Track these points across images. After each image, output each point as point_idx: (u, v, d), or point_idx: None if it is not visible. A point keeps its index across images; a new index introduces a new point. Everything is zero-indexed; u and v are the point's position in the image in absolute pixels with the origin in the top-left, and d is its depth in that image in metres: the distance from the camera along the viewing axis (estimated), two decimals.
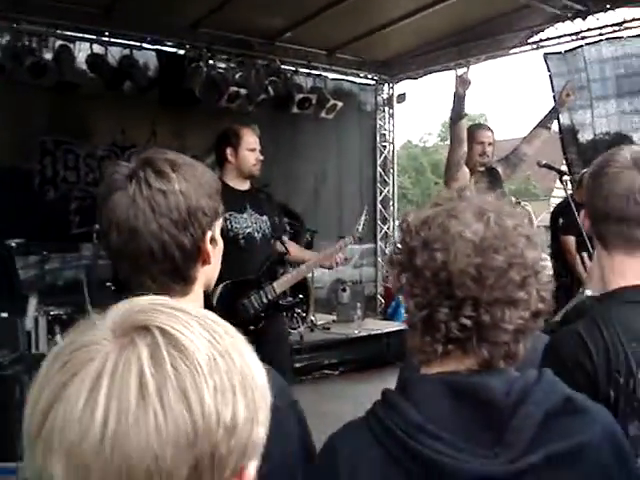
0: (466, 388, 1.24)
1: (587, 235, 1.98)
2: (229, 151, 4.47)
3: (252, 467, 0.76)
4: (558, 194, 35.64)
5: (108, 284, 7.68)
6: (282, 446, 1.38)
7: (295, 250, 4.85)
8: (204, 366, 0.71)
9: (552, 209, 6.81)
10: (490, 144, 5.01)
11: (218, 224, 1.55)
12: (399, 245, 1.34)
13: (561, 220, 6.24)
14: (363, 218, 5.00)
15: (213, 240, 1.51)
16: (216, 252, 1.55)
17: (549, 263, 1.39)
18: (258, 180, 4.88)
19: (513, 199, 1.37)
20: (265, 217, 4.55)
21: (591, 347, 1.70)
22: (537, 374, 1.29)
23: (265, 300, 4.43)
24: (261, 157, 4.56)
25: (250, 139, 4.53)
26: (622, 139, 9.41)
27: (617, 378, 1.68)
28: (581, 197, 6.27)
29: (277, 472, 1.35)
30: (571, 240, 6.02)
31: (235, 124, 4.71)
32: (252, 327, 4.36)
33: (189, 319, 0.75)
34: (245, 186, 4.55)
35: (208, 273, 1.55)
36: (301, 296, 8.21)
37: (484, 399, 1.22)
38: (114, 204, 1.43)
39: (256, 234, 4.49)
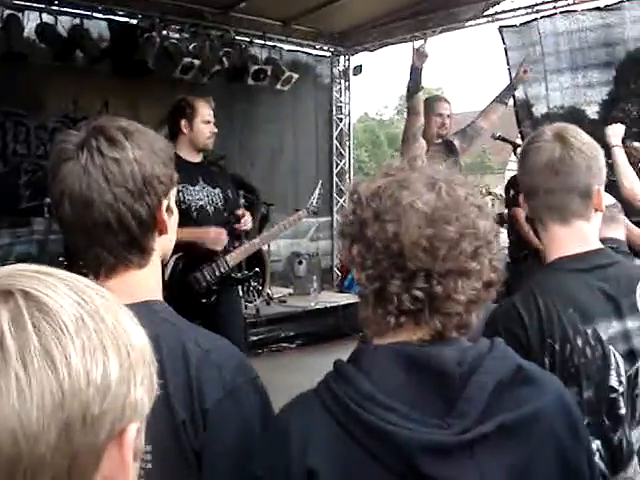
0: (418, 358, 1.23)
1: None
2: (183, 123, 4.41)
3: (132, 430, 0.72)
4: (513, 167, 36.05)
5: (60, 259, 7.58)
6: (244, 424, 1.37)
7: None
8: (70, 325, 0.68)
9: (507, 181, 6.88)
10: (448, 116, 5.02)
11: (173, 193, 1.50)
12: (350, 216, 1.31)
13: (512, 192, 6.30)
14: (317, 192, 4.98)
15: (169, 209, 1.47)
16: (172, 221, 1.50)
17: (502, 232, 1.39)
18: (213, 152, 4.81)
19: (483, 190, 1.36)
20: (218, 190, 4.50)
21: (525, 317, 1.73)
22: (489, 343, 1.28)
23: (217, 273, 4.38)
24: (215, 130, 4.52)
25: (205, 111, 4.48)
26: (575, 112, 9.51)
27: (552, 344, 1.70)
28: None
29: (238, 450, 1.34)
30: (520, 211, 6.07)
31: (189, 96, 4.63)
32: (204, 300, 4.34)
33: (55, 281, 0.72)
34: (198, 158, 4.49)
35: (165, 243, 1.51)
36: (257, 269, 8.18)
37: (436, 369, 1.21)
38: (65, 174, 1.38)
39: (208, 207, 4.44)
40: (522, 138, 9.81)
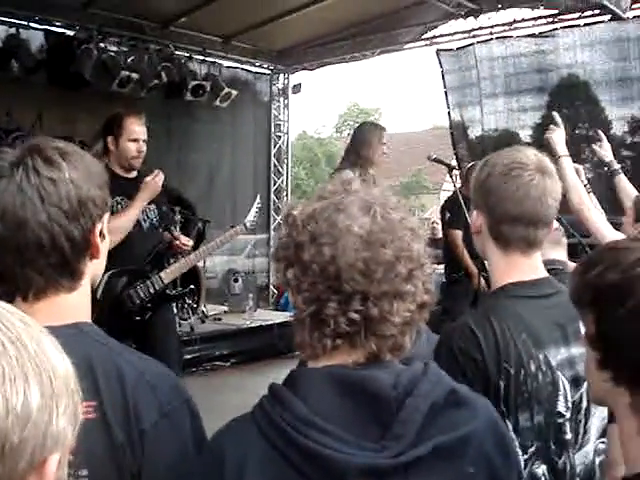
0: (353, 381, 1.23)
1: (473, 233, 2.00)
2: (110, 140, 4.31)
3: (54, 461, 0.71)
4: (448, 187, 36.62)
5: None
6: (179, 447, 1.36)
7: (184, 239, 4.74)
8: None
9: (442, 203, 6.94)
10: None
11: (106, 218, 1.48)
12: (284, 239, 1.31)
13: (447, 214, 6.37)
14: (255, 208, 4.95)
15: (102, 234, 1.45)
16: (103, 246, 1.48)
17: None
18: (149, 168, 4.75)
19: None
20: (153, 206, 4.43)
21: (481, 339, 1.74)
22: (423, 367, 1.29)
23: (152, 290, 4.31)
24: (143, 149, 4.37)
25: (133, 128, 4.33)
26: (509, 135, 9.73)
27: (507, 369, 1.72)
28: (469, 191, 6.45)
29: (174, 473, 1.31)
30: (457, 234, 6.14)
31: (121, 111, 4.51)
32: (138, 318, 4.26)
33: None
34: (132, 174, 4.42)
35: (96, 268, 1.48)
36: (192, 286, 8.10)
37: (371, 392, 1.21)
38: None
39: (143, 223, 4.36)
40: (457, 160, 9.98)
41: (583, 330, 1.29)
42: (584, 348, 1.73)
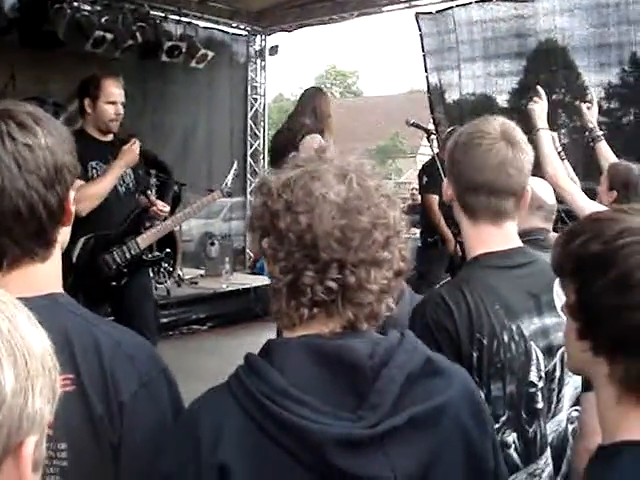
0: (330, 351, 1.23)
1: (446, 203, 2.00)
2: (87, 102, 4.25)
3: (30, 443, 0.69)
4: (425, 152, 36.64)
5: None
6: (158, 417, 1.35)
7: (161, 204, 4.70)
8: None
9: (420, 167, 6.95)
10: None
11: (77, 184, 1.46)
12: (259, 209, 1.30)
13: (425, 179, 6.37)
14: (232, 173, 4.93)
15: (73, 200, 1.43)
16: (72, 212, 1.45)
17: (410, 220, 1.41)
18: (123, 130, 4.69)
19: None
20: (129, 170, 4.38)
21: (454, 309, 1.75)
22: (399, 336, 1.29)
23: (128, 255, 4.28)
24: (121, 112, 4.32)
25: (111, 90, 4.28)
26: (486, 100, 9.72)
27: (480, 339, 1.73)
28: (442, 152, 6.47)
29: (152, 444, 1.31)
30: (434, 199, 6.14)
31: (98, 72, 4.44)
32: (114, 283, 4.24)
33: None
34: (108, 137, 4.36)
35: (65, 234, 1.45)
36: (168, 250, 8.07)
37: (348, 362, 1.22)
38: None
39: (119, 187, 4.32)
40: (435, 124, 9.97)
41: (564, 300, 1.30)
42: (558, 318, 1.75)
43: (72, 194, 1.40)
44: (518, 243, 1.92)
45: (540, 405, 1.80)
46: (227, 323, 8.27)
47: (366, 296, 1.25)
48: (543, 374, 1.81)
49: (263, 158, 11.58)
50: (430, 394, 1.25)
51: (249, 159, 11.41)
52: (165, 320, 7.70)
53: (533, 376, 1.80)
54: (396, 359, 1.23)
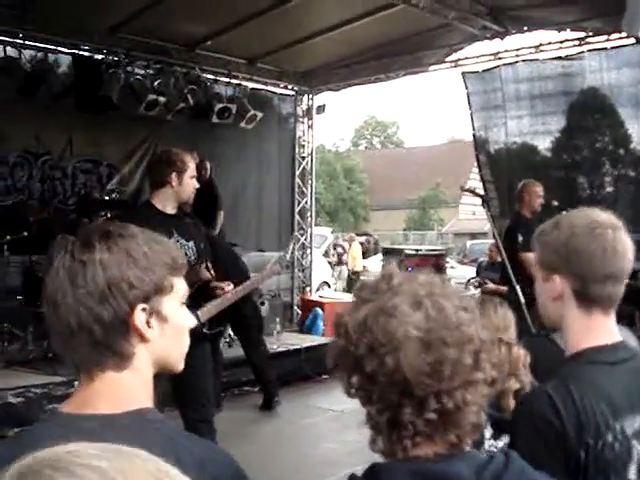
0: (436, 477, 1.22)
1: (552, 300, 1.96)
2: (173, 176, 4.34)
3: None
4: (467, 201, 36.55)
5: (19, 297, 7.45)
6: None
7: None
8: None
9: (508, 225, 6.87)
10: None
11: (169, 299, 1.46)
12: (341, 347, 1.29)
13: (520, 237, 6.29)
14: (291, 245, 4.96)
15: (159, 315, 1.43)
16: (167, 329, 1.45)
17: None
18: None
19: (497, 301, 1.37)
20: (191, 243, 4.44)
21: (560, 407, 1.72)
22: (505, 458, 1.28)
23: None
24: (197, 185, 4.51)
25: (192, 166, 4.47)
26: (530, 153, 9.74)
27: (587, 440, 1.70)
28: (524, 209, 6.45)
29: None
30: (532, 256, 6.05)
31: (174, 149, 4.59)
32: None
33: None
34: (173, 210, 4.43)
35: (157, 352, 1.45)
36: (221, 328, 8.07)
37: None
38: (46, 278, 1.41)
39: None
40: (482, 181, 9.96)
41: None
42: None
43: (141, 307, 1.40)
44: (619, 337, 1.90)
45: None
46: (279, 384, 8.20)
47: (466, 417, 1.24)
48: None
49: (310, 215, 11.65)
50: None
51: (296, 216, 11.48)
52: None
53: (631, 474, 1.76)
54: None
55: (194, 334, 4.31)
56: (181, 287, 1.50)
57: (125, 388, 1.40)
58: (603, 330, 1.86)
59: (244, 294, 4.60)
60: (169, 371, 1.51)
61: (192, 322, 1.55)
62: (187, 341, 1.54)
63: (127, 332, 1.40)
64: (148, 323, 1.42)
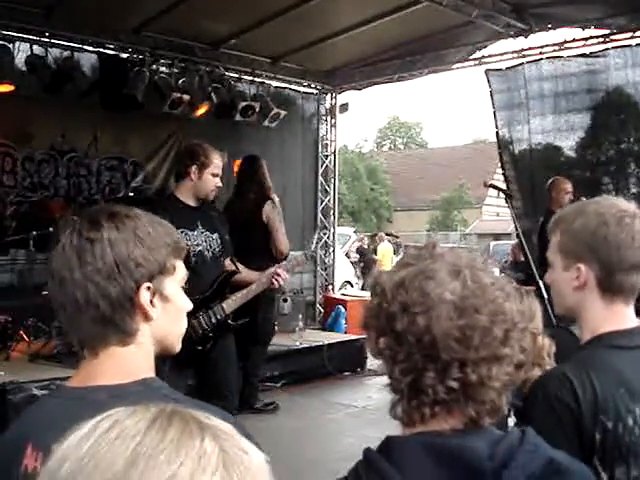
0: (450, 451, 1.23)
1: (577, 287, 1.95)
2: (194, 169, 4.37)
3: None
4: (491, 202, 36.36)
5: (44, 292, 7.50)
6: None
7: (244, 269, 4.77)
8: None
9: (541, 219, 6.88)
10: None
11: (170, 280, 1.50)
12: (374, 309, 1.31)
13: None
14: (315, 238, 4.99)
15: (161, 295, 1.47)
16: (169, 309, 1.50)
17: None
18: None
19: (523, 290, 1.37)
20: (216, 235, 4.48)
21: (578, 389, 1.72)
22: (520, 435, 1.28)
23: (214, 320, 4.34)
24: (220, 184, 4.52)
25: (217, 164, 4.47)
26: (554, 152, 9.68)
27: (604, 422, 1.70)
28: (553, 205, 6.42)
29: None
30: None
31: (203, 143, 4.60)
32: (200, 347, 4.29)
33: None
34: (197, 203, 4.47)
35: (158, 330, 1.49)
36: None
37: (468, 463, 1.21)
38: (51, 255, 1.46)
39: (206, 252, 4.42)
40: (505, 180, 9.92)
41: None
42: None
43: (146, 286, 1.44)
44: (636, 322, 1.90)
45: None
46: (300, 381, 8.22)
47: (488, 393, 1.25)
48: None
49: (333, 214, 11.66)
50: None
51: (319, 214, 11.50)
52: None
53: None
54: (517, 460, 1.22)
55: (220, 326, 4.37)
56: (181, 270, 1.54)
57: (129, 361, 1.45)
58: (623, 317, 1.86)
59: (267, 285, 4.62)
60: (167, 352, 1.55)
61: (190, 306, 1.58)
62: (185, 323, 1.59)
63: (132, 309, 1.44)
64: (151, 302, 1.46)
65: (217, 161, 4.47)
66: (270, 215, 6.32)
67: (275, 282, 4.62)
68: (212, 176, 4.42)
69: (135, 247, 1.42)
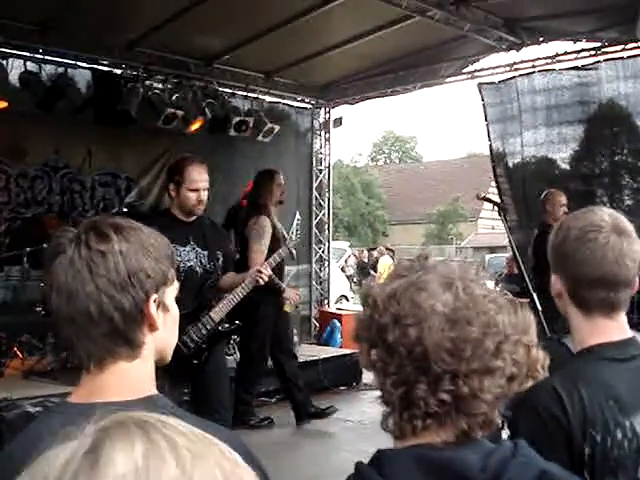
0: (441, 464, 1.22)
1: (554, 297, 1.96)
2: (172, 187, 4.39)
3: None
4: (485, 215, 36.44)
5: (38, 308, 7.49)
6: None
7: (232, 274, 4.75)
8: None
9: (535, 234, 6.85)
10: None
11: (169, 291, 1.50)
12: (366, 321, 1.31)
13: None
14: (295, 224, 5.00)
15: (163, 306, 1.47)
16: (168, 319, 1.50)
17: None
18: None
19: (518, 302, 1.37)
20: (207, 252, 4.47)
21: (566, 402, 1.72)
22: (512, 447, 1.28)
23: (204, 331, 4.35)
24: (203, 197, 4.45)
25: (193, 178, 4.41)
26: (548, 164, 9.71)
27: (593, 435, 1.70)
28: (548, 218, 6.41)
29: None
30: None
31: (186, 157, 4.59)
32: (195, 361, 4.28)
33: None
34: (190, 218, 4.46)
35: (159, 341, 1.49)
36: (237, 322, 8.09)
37: (459, 475, 1.21)
38: (55, 267, 1.41)
39: (197, 268, 4.42)
40: (499, 193, 9.94)
41: None
42: None
43: (154, 298, 1.44)
44: (629, 333, 1.89)
45: None
46: None
47: (480, 405, 1.24)
48: None
49: (328, 228, 11.67)
50: None
51: (314, 229, 11.50)
52: None
53: None
54: (509, 472, 1.21)
55: (211, 335, 4.36)
56: (175, 279, 1.54)
57: (134, 376, 1.44)
58: (606, 330, 1.85)
59: (250, 288, 4.62)
60: (162, 362, 1.55)
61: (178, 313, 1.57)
62: (177, 332, 1.59)
63: (142, 321, 1.44)
64: (157, 313, 1.45)
65: (194, 175, 4.42)
66: (249, 231, 6.22)
67: (259, 279, 4.61)
68: (190, 192, 4.39)
69: (144, 258, 1.42)
